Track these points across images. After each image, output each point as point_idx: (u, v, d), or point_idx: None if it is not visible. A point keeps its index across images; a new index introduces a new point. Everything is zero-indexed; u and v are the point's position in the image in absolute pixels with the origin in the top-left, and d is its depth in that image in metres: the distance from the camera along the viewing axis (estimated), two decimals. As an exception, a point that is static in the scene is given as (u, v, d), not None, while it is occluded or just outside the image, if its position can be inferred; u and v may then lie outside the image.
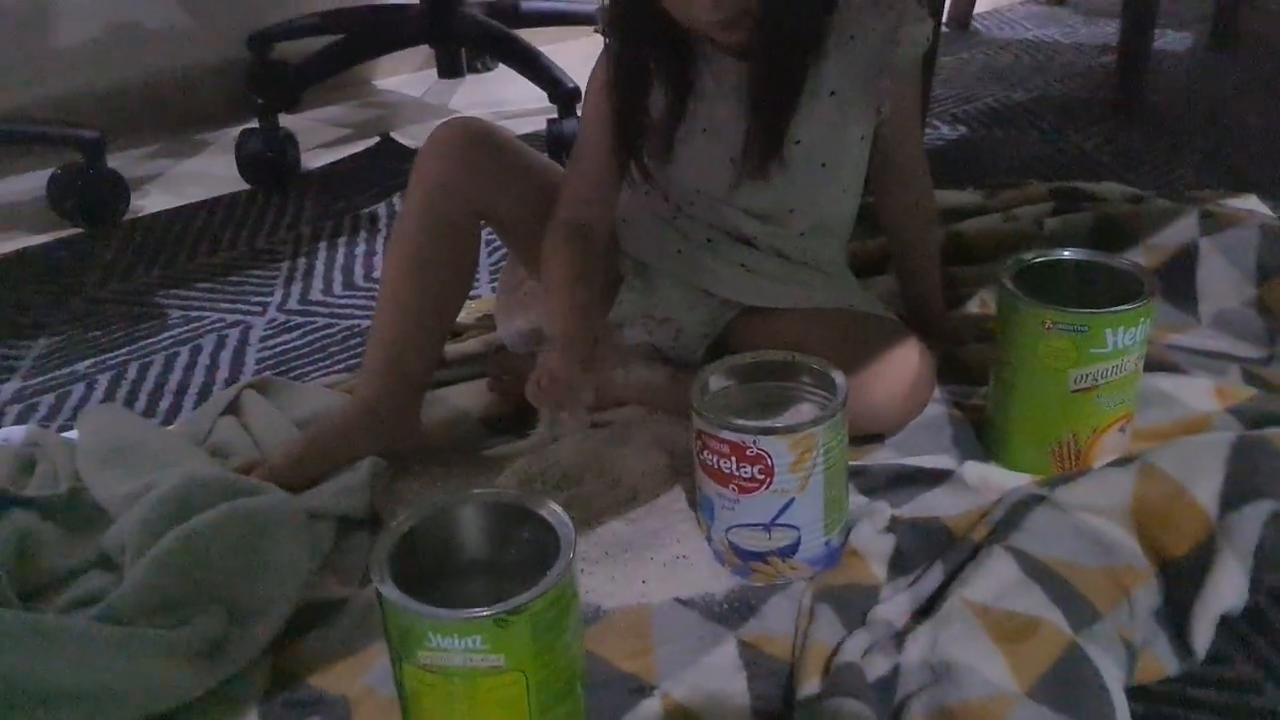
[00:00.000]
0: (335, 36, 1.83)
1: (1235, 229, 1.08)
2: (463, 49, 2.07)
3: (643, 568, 0.79)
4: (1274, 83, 1.82)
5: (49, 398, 1.11)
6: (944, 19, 1.75)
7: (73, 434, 0.95)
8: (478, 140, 0.92)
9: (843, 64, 0.88)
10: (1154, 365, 0.92)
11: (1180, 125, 1.65)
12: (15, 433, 0.97)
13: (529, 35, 1.77)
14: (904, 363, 0.89)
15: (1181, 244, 1.09)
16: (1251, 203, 1.28)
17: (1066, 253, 0.89)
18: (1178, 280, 1.07)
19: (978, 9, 2.31)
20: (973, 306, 1.12)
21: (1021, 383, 0.85)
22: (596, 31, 0.90)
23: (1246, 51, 1.97)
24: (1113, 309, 0.79)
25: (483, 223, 0.95)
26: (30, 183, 1.65)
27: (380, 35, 1.90)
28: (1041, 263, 0.87)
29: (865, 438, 0.89)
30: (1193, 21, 2.18)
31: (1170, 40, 2.08)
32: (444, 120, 0.94)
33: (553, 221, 0.90)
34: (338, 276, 1.35)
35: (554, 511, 0.63)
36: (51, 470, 0.90)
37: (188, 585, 0.73)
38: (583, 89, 1.65)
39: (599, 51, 0.91)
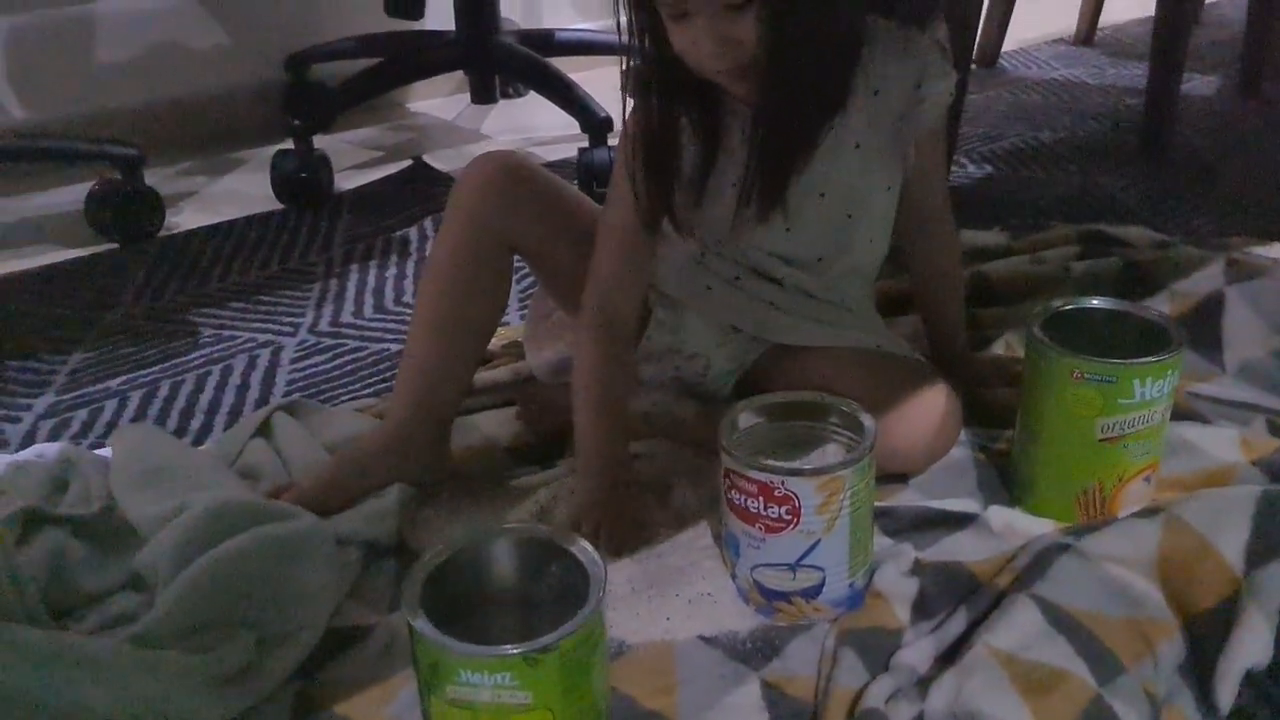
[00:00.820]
0: (372, 60, 1.86)
1: (1262, 278, 1.09)
2: (496, 76, 2.10)
3: (667, 604, 0.80)
4: (1302, 129, 1.83)
5: (82, 413, 1.12)
6: (971, 57, 1.76)
7: (106, 451, 0.97)
8: (514, 174, 0.93)
9: (868, 117, 0.88)
10: (1179, 414, 0.92)
11: (1208, 170, 1.66)
12: (49, 449, 0.98)
13: (562, 64, 1.80)
14: (931, 404, 0.90)
15: (1208, 292, 1.10)
16: (1278, 251, 1.28)
17: (1096, 301, 0.89)
18: (1203, 329, 1.07)
19: (1005, 47, 2.32)
20: (998, 348, 1.12)
21: (1048, 430, 0.85)
22: (623, 90, 0.90)
23: (1274, 96, 1.97)
24: (1141, 360, 0.80)
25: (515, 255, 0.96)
26: (68, 197, 1.68)
27: (416, 61, 1.93)
28: (1070, 310, 0.88)
29: (890, 478, 0.90)
30: (1220, 65, 2.18)
31: (1198, 84, 2.09)
32: (482, 153, 0.95)
33: (585, 304, 0.91)
34: (369, 299, 1.36)
35: (584, 549, 0.64)
36: (84, 488, 0.91)
37: (218, 610, 0.74)
38: (614, 118, 1.68)
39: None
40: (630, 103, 0.88)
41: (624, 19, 0.82)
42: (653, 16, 0.81)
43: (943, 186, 1.00)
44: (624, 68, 0.85)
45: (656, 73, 0.85)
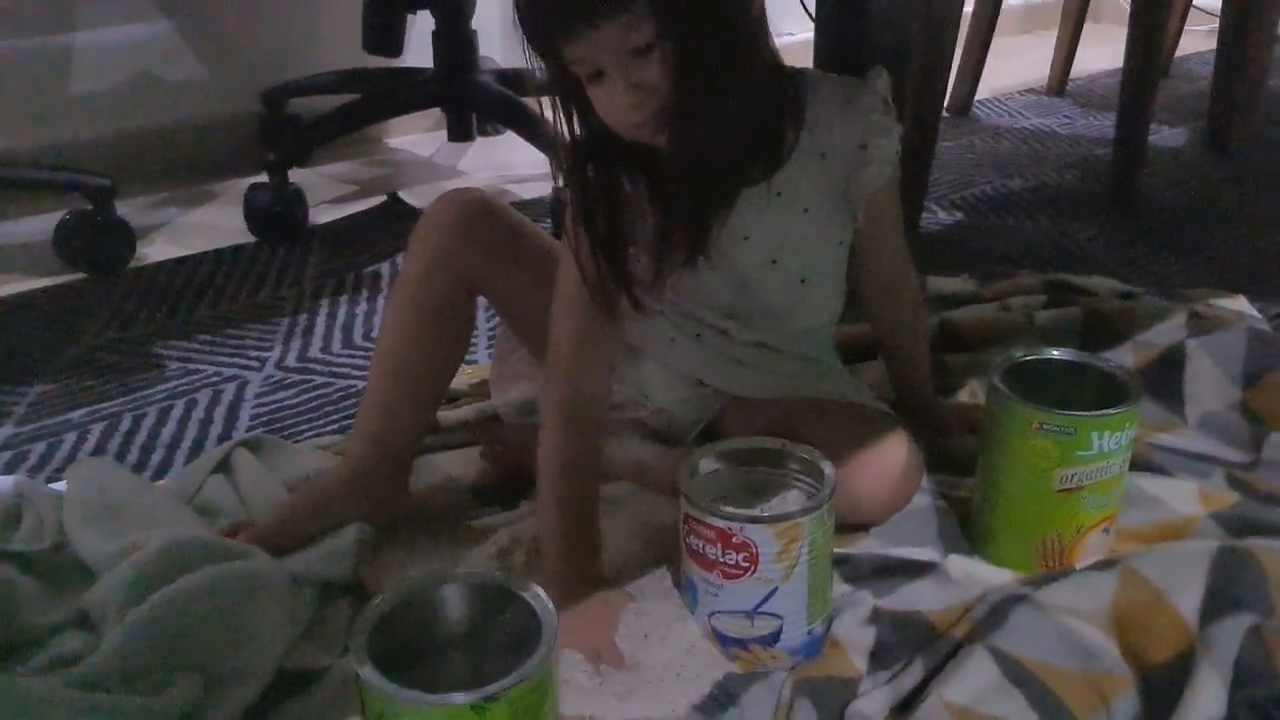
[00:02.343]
0: (350, 96, 1.87)
1: (1223, 332, 1.10)
2: (473, 113, 2.11)
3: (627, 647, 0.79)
4: (1266, 183, 1.86)
5: (40, 446, 1.11)
6: (943, 104, 1.78)
7: (61, 485, 0.96)
8: (476, 214, 0.93)
9: (815, 180, 0.87)
10: (1139, 465, 0.93)
11: (1173, 222, 1.68)
12: (3, 483, 0.97)
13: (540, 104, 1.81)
14: (893, 455, 0.90)
15: (1170, 344, 1.11)
16: (1241, 304, 1.29)
17: (1056, 352, 0.90)
18: (1165, 380, 1.08)
19: (978, 95, 2.36)
20: (963, 395, 1.13)
21: (1007, 480, 0.85)
22: (560, 180, 0.87)
23: (1240, 151, 2.01)
24: (1098, 413, 0.80)
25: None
26: (38, 226, 1.66)
27: (394, 98, 1.94)
28: (1031, 361, 0.89)
29: (851, 525, 0.90)
30: (1188, 118, 2.22)
31: (1166, 136, 2.12)
32: (445, 191, 0.95)
33: (546, 384, 0.87)
34: (337, 335, 1.36)
35: (536, 595, 0.63)
36: (37, 523, 0.90)
37: (166, 650, 0.73)
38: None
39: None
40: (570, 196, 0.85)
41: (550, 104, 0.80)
42: (576, 88, 0.79)
43: (899, 243, 0.97)
44: (558, 155, 0.82)
45: (594, 145, 0.82)
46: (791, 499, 0.80)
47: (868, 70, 0.88)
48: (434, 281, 0.92)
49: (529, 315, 0.94)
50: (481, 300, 0.97)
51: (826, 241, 0.91)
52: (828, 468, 0.78)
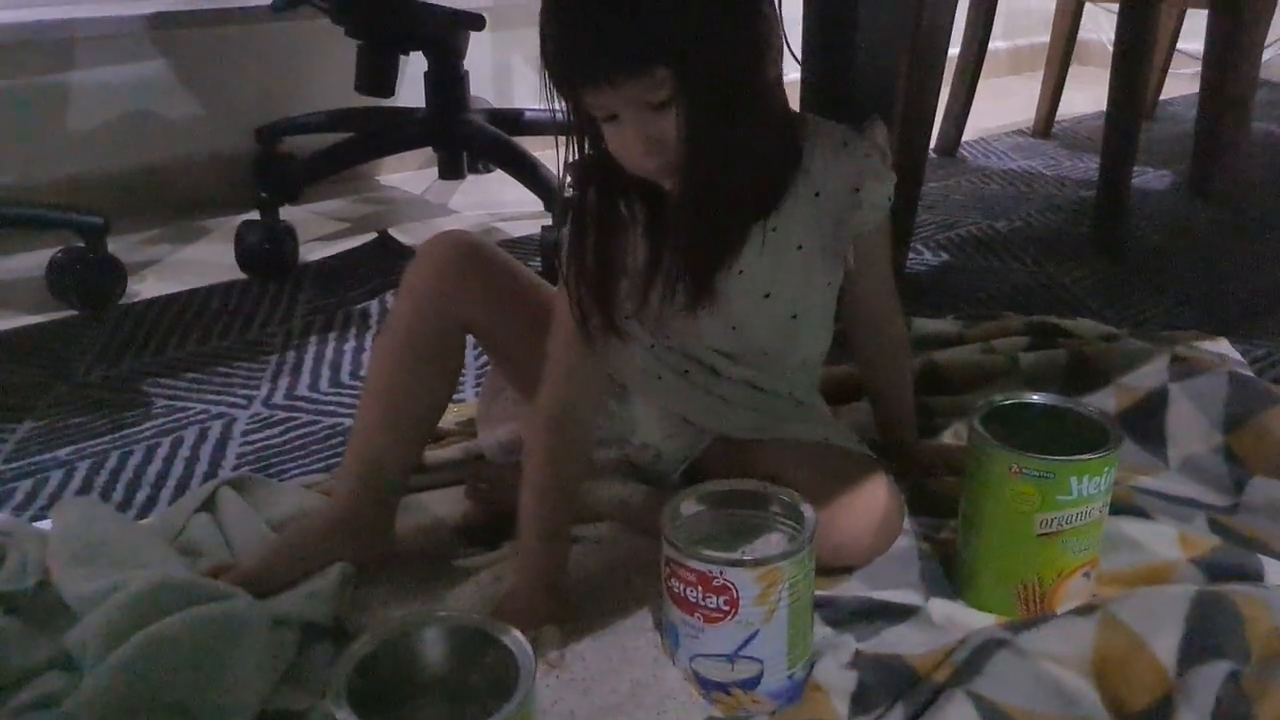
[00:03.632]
0: (342, 135, 1.88)
1: (1205, 375, 1.11)
2: (464, 153, 2.13)
3: (607, 690, 0.79)
4: (1248, 227, 1.88)
5: (27, 483, 1.11)
6: (929, 145, 1.80)
7: (46, 524, 0.96)
8: (466, 255, 0.94)
9: (810, 219, 0.89)
10: (1121, 508, 0.93)
11: (1157, 264, 1.70)
12: (-12, 520, 0.97)
13: (530, 143, 1.83)
14: (874, 499, 0.90)
15: (1152, 387, 1.12)
16: (1223, 346, 1.31)
17: (1036, 397, 0.90)
18: (1147, 423, 1.09)
19: (965, 137, 2.38)
20: (946, 437, 1.13)
21: (988, 524, 0.86)
22: (566, 191, 0.89)
23: (1223, 194, 2.03)
24: (1077, 458, 0.81)
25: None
26: (30, 262, 1.67)
27: (387, 136, 1.96)
28: (1011, 405, 0.89)
29: (834, 568, 0.90)
30: (1172, 161, 2.25)
31: (1150, 179, 2.15)
32: (437, 233, 0.96)
33: (540, 398, 0.89)
34: (325, 373, 1.36)
35: (515, 639, 0.64)
36: (21, 562, 0.89)
37: (148, 691, 0.73)
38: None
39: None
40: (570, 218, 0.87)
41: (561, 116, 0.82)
42: (590, 121, 0.81)
43: (888, 286, 0.99)
44: (564, 165, 0.84)
45: (596, 170, 0.85)
46: (773, 542, 0.80)
47: (866, 119, 0.90)
48: (425, 321, 0.92)
49: (518, 357, 0.95)
50: (469, 339, 0.98)
51: (816, 279, 0.93)
52: (809, 511, 0.79)
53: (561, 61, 0.78)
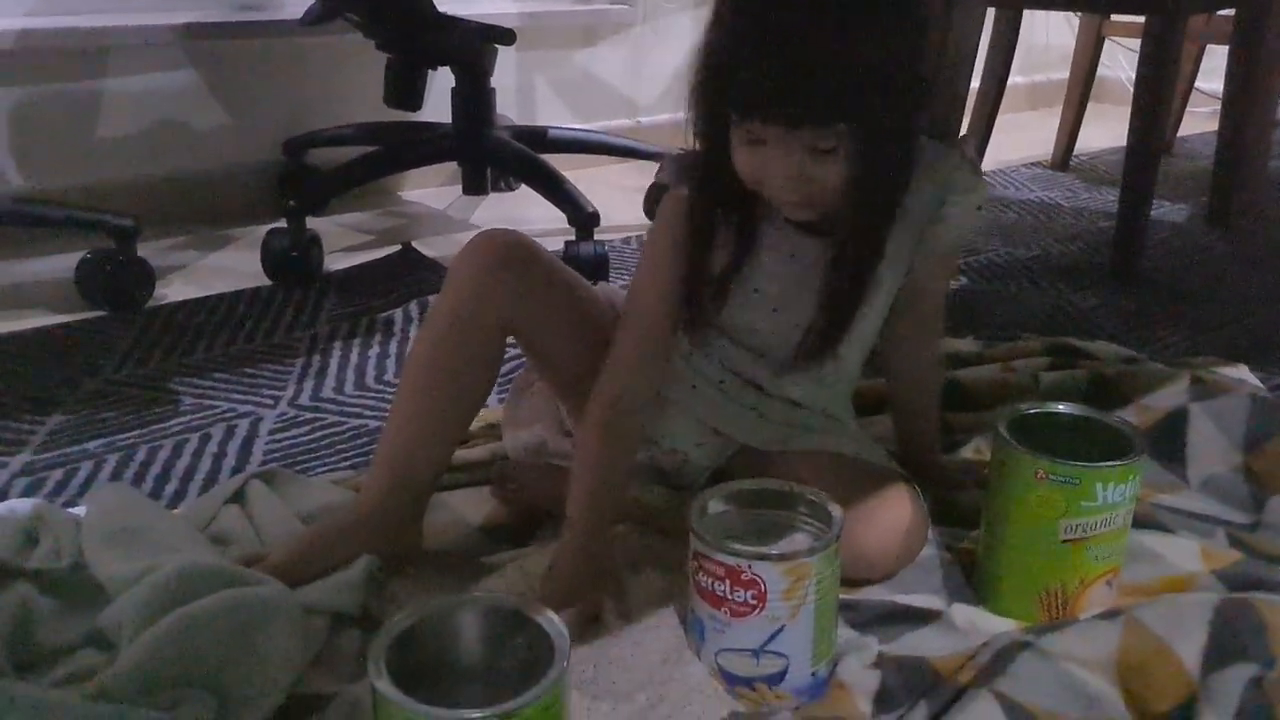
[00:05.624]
0: (368, 148, 1.91)
1: (1226, 396, 1.12)
2: (489, 168, 2.16)
3: (632, 684, 0.80)
4: (1266, 259, 1.89)
5: (57, 473, 1.12)
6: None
7: (79, 509, 0.97)
8: (513, 253, 0.93)
9: (894, 236, 0.89)
10: (1142, 523, 0.94)
11: (1175, 294, 1.71)
12: (21, 505, 0.98)
13: (553, 161, 1.85)
14: (899, 513, 0.91)
15: (1172, 407, 1.12)
16: (1242, 372, 1.32)
17: (1061, 406, 0.91)
18: (1168, 443, 1.10)
19: (984, 167, 2.40)
20: (967, 452, 1.14)
21: (1012, 530, 0.87)
22: (658, 181, 0.91)
23: (1241, 227, 2.04)
24: (1103, 464, 0.82)
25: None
26: (61, 264, 1.69)
27: (412, 151, 1.99)
28: (1037, 414, 0.90)
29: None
30: (1190, 195, 2.26)
31: (1168, 211, 2.16)
32: (482, 230, 0.96)
33: (599, 388, 0.90)
34: (350, 376, 1.38)
35: (550, 620, 0.64)
36: (55, 544, 0.91)
37: (180, 669, 0.74)
38: (601, 214, 1.72)
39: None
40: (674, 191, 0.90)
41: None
42: (720, 124, 0.82)
43: (940, 302, 1.00)
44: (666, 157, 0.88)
45: (704, 170, 0.86)
46: (799, 541, 0.81)
47: (959, 138, 0.92)
48: (469, 318, 0.91)
49: (560, 357, 0.95)
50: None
51: (879, 297, 0.93)
52: (835, 510, 0.80)
53: (747, 89, 0.78)
